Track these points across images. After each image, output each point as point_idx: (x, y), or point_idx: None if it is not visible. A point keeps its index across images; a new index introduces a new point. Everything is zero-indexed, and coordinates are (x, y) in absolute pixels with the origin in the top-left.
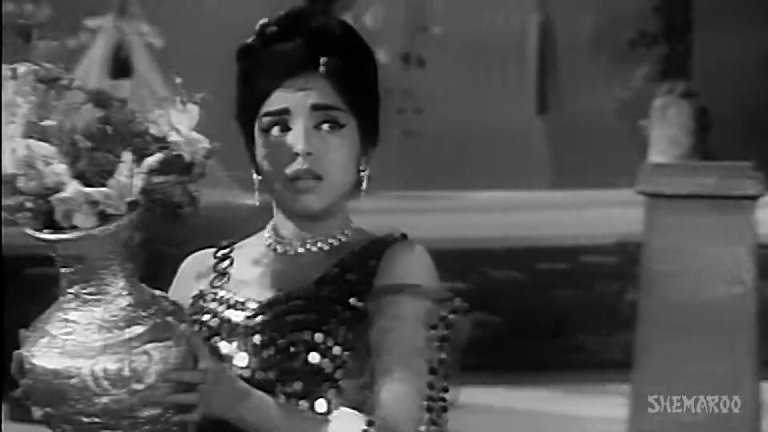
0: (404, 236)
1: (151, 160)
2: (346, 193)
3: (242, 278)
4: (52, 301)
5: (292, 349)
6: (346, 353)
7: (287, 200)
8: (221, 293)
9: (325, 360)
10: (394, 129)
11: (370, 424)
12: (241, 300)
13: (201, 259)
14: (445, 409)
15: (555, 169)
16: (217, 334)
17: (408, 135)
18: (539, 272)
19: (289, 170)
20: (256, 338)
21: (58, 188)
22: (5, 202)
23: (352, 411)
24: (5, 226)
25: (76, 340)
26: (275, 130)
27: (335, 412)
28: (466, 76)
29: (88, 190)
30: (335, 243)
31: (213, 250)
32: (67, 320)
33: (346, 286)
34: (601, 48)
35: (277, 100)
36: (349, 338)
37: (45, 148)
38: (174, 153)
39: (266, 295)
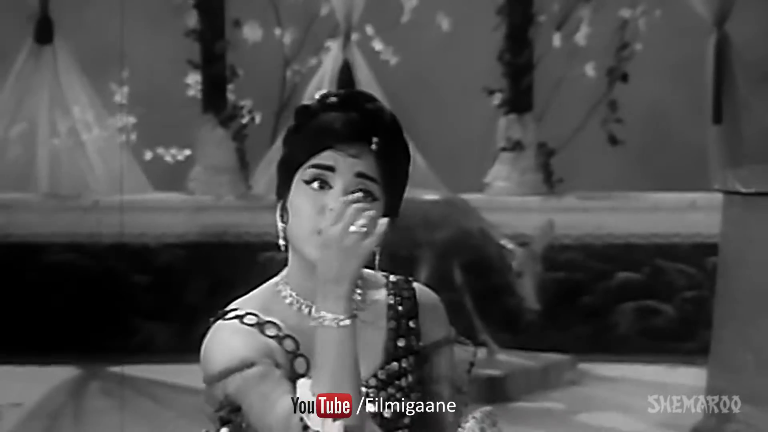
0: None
1: None
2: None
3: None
4: None
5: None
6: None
7: (311, 249)
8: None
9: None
10: (600, 137)
11: None
12: None
13: (246, 331)
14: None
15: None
16: None
17: (612, 142)
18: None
19: (322, 224)
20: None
21: None
22: None
23: None
24: None
25: None
26: (315, 184)
27: None
28: (660, 90)
29: None
30: (356, 299)
31: (241, 324)
32: None
33: (411, 350)
34: None
35: (327, 157)
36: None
37: None
38: None
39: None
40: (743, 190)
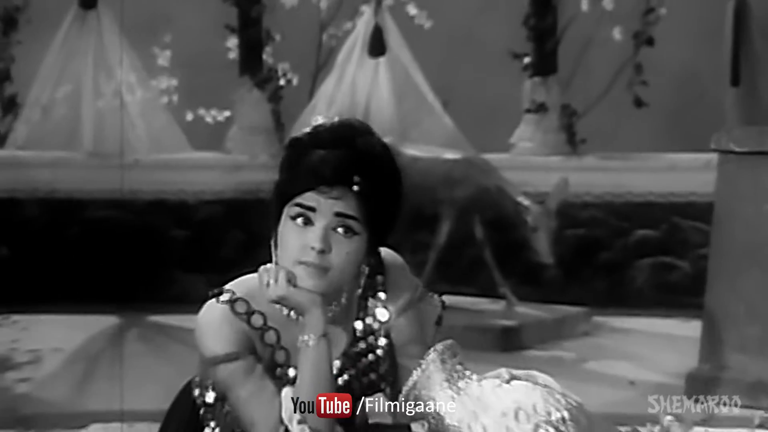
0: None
1: None
2: (344, 282)
3: (293, 345)
4: None
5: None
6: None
7: (294, 277)
8: (293, 365)
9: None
10: (625, 100)
11: None
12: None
13: (232, 321)
14: None
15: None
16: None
17: (637, 105)
18: None
19: (303, 258)
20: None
21: None
22: None
23: None
24: None
25: None
26: (299, 221)
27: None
28: (684, 53)
29: None
30: (342, 303)
31: (231, 313)
32: None
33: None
34: None
35: (309, 198)
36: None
37: None
38: None
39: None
40: (736, 149)
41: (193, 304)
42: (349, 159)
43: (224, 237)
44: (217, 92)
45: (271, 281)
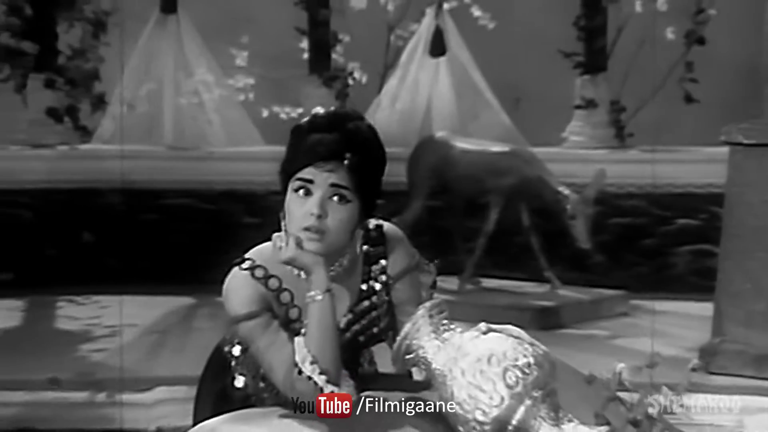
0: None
1: None
2: (342, 244)
3: (305, 303)
4: None
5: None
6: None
7: (300, 240)
8: (294, 317)
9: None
10: (673, 96)
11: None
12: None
13: (252, 285)
14: None
15: None
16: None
17: (687, 101)
18: None
19: (305, 223)
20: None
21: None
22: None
23: None
24: None
25: None
26: (301, 192)
27: None
28: (734, 51)
29: None
30: (343, 264)
31: (251, 278)
32: None
33: (381, 289)
34: None
35: (308, 173)
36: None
37: None
38: None
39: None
40: (744, 141)
41: None
42: (341, 139)
43: None
44: (291, 90)
45: (283, 245)
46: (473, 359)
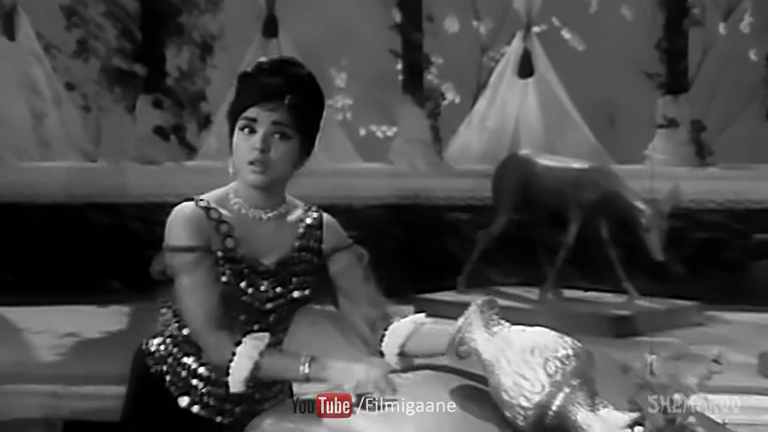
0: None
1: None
2: (284, 179)
3: (242, 237)
4: None
5: (295, 293)
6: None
7: (246, 175)
8: (240, 252)
9: (306, 295)
10: (754, 115)
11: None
12: (254, 257)
13: (197, 213)
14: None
15: None
16: (243, 279)
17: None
18: None
19: (250, 157)
20: (268, 283)
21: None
22: None
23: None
24: None
25: None
26: (246, 131)
27: None
28: None
29: None
30: (281, 212)
31: (196, 207)
32: None
33: (313, 251)
34: None
35: (252, 112)
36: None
37: None
38: None
39: (269, 253)
40: None
41: None
42: (282, 82)
43: (386, 236)
44: (386, 110)
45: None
46: (518, 350)
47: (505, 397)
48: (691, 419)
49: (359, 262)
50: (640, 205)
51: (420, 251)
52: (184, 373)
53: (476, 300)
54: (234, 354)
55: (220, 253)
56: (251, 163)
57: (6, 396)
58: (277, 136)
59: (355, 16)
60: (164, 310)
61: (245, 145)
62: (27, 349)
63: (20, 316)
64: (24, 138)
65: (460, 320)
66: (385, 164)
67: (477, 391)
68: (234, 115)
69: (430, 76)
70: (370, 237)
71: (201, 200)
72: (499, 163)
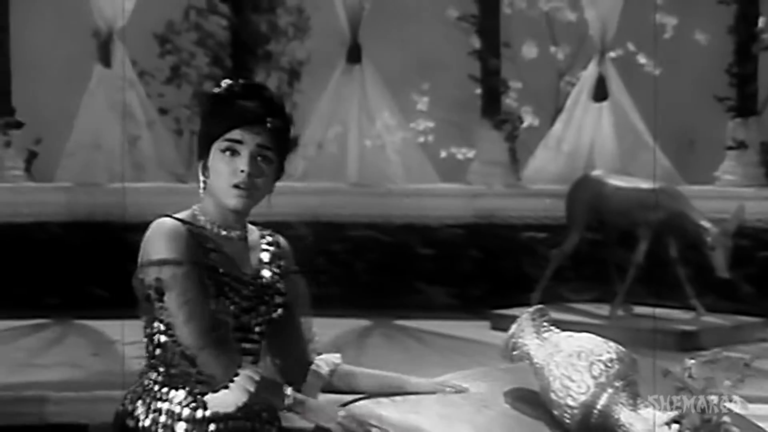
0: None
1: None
2: (260, 202)
3: (222, 252)
4: None
5: (275, 309)
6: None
7: (229, 199)
8: (225, 266)
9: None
10: None
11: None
12: (236, 273)
13: (181, 228)
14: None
15: None
16: (223, 294)
17: None
18: None
19: (235, 180)
20: (250, 298)
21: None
22: None
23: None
24: None
25: None
26: (227, 153)
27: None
28: None
29: None
30: (244, 232)
31: (178, 222)
32: None
33: (280, 268)
34: None
35: (236, 134)
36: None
37: None
38: None
39: (244, 267)
40: None
41: (434, 311)
42: (264, 105)
43: (463, 255)
44: (465, 133)
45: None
46: (566, 355)
47: (554, 398)
48: (726, 419)
49: (303, 287)
50: (706, 224)
51: (495, 269)
52: (169, 421)
53: (528, 309)
54: (237, 375)
55: (205, 268)
56: (236, 186)
57: (95, 402)
58: (260, 158)
59: (435, 44)
60: (145, 340)
61: (228, 168)
62: (117, 358)
63: (113, 329)
64: (117, 160)
65: (513, 327)
66: (463, 185)
67: (528, 392)
68: (210, 138)
69: (509, 100)
70: (447, 255)
71: (178, 217)
72: (572, 184)
